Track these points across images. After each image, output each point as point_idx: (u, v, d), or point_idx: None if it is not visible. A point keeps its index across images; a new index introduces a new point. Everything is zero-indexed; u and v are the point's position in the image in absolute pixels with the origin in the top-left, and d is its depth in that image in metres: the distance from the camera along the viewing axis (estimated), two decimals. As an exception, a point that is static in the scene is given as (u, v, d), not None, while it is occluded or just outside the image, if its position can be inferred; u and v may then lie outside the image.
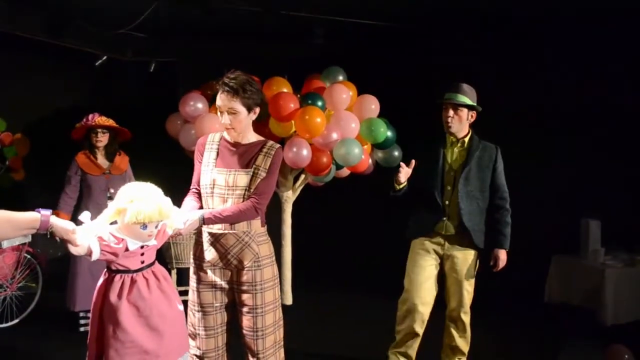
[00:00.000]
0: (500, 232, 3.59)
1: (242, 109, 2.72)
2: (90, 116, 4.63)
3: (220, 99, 2.72)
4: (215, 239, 2.79)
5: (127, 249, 2.32)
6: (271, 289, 2.89)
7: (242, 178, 2.77)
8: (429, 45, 5.95)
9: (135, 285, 2.35)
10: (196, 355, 2.88)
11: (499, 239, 3.60)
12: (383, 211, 5.65)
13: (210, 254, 2.81)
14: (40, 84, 5.83)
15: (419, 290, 3.55)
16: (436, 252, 3.59)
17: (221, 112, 2.75)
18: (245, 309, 2.84)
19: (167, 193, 2.40)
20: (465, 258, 3.57)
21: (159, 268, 2.50)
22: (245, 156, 2.81)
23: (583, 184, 5.26)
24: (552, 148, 5.47)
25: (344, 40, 6.01)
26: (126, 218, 2.25)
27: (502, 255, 3.62)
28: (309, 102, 4.77)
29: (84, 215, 2.26)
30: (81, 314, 4.61)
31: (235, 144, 2.85)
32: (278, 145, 2.90)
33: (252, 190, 2.77)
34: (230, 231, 2.77)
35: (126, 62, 6.35)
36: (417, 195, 3.56)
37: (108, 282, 2.36)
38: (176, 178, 3.60)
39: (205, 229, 2.81)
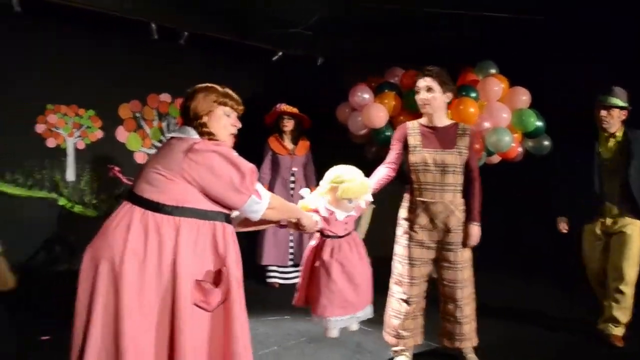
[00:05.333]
0: None
1: (437, 87, 3.32)
2: (278, 105, 5.49)
3: (419, 82, 3.35)
4: (427, 207, 3.39)
5: (336, 219, 2.92)
6: (468, 249, 3.46)
7: (448, 157, 3.34)
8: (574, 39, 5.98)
9: (341, 248, 2.94)
10: (402, 299, 3.47)
11: None
12: (528, 196, 5.96)
13: (421, 218, 3.40)
14: (224, 77, 6.72)
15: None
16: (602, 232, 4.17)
17: (418, 92, 3.36)
18: (447, 264, 3.43)
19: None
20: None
21: (354, 234, 3.09)
22: (446, 138, 3.38)
23: None
24: None
25: (496, 34, 6.24)
26: (337, 194, 2.86)
27: None
28: (463, 93, 5.18)
29: (304, 191, 2.96)
30: (269, 268, 5.50)
31: (434, 128, 3.40)
32: (469, 126, 3.46)
33: (459, 166, 3.36)
34: (440, 200, 3.36)
35: (297, 57, 7.13)
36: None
37: (320, 245, 2.97)
38: (345, 158, 4.18)
39: (419, 199, 3.41)
